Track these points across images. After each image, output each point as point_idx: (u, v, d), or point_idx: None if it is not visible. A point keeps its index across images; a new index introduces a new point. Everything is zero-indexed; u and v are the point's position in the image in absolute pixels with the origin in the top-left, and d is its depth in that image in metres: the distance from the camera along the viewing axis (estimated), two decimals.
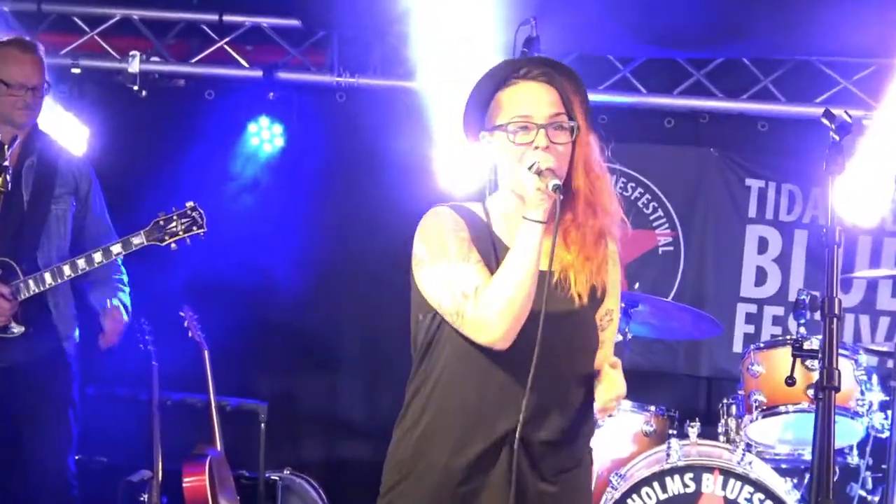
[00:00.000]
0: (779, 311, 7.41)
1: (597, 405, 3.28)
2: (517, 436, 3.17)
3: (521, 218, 3.17)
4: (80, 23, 7.47)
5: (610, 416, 3.36)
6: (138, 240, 5.26)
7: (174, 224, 5.27)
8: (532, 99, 3.22)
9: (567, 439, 3.30)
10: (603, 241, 3.31)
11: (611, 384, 3.29)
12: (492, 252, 3.28)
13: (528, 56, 3.36)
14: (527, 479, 3.26)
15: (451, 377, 3.29)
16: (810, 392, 5.35)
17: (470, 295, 3.15)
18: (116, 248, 5.27)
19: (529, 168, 3.13)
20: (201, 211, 5.32)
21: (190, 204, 5.32)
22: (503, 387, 3.22)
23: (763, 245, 7.48)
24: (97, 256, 5.25)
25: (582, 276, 3.27)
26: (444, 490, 3.29)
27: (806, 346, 3.23)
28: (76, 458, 5.52)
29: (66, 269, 5.24)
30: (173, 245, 5.28)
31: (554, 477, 3.30)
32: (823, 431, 2.70)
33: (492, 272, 3.18)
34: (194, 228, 5.29)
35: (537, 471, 3.27)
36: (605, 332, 3.43)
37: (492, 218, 3.36)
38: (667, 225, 7.54)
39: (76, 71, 7.41)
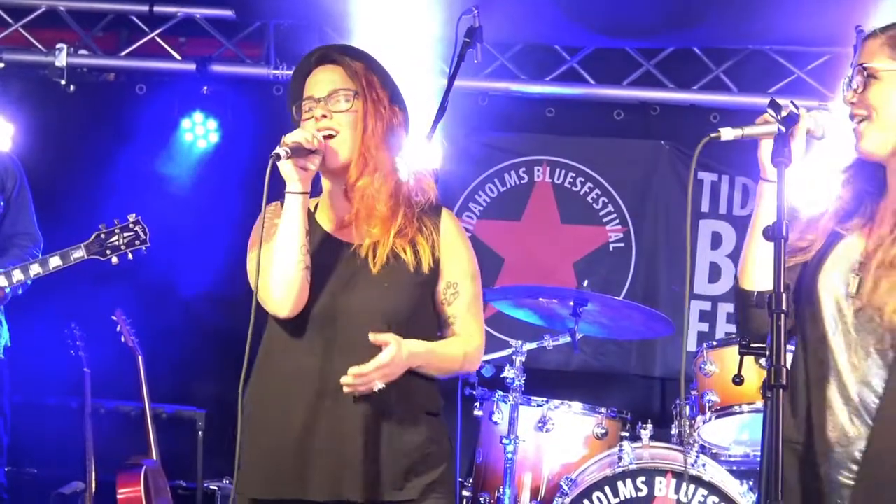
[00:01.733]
0: (733, 308, 7.27)
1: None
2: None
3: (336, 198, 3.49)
4: (3, 14, 7.35)
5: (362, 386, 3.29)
6: (78, 253, 5.18)
7: (116, 238, 5.21)
8: (317, 80, 3.47)
9: (374, 407, 3.36)
10: (376, 198, 3.43)
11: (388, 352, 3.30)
12: (308, 235, 3.45)
13: (325, 45, 3.52)
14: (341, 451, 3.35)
15: (268, 349, 3.48)
16: None
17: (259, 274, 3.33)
18: (55, 261, 5.19)
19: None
20: (144, 225, 5.26)
21: (132, 217, 5.26)
22: (307, 353, 3.37)
23: (717, 240, 7.43)
24: (34, 268, 5.19)
25: (376, 247, 3.42)
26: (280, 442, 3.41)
27: (755, 343, 3.14)
28: (5, 469, 5.46)
29: (1, 281, 5.17)
30: (115, 259, 5.22)
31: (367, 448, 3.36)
32: (772, 431, 2.61)
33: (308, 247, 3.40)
34: (137, 243, 5.24)
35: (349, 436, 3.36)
36: (452, 306, 3.53)
37: (321, 206, 3.57)
38: (617, 220, 7.45)
39: (0, 65, 7.25)
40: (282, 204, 3.46)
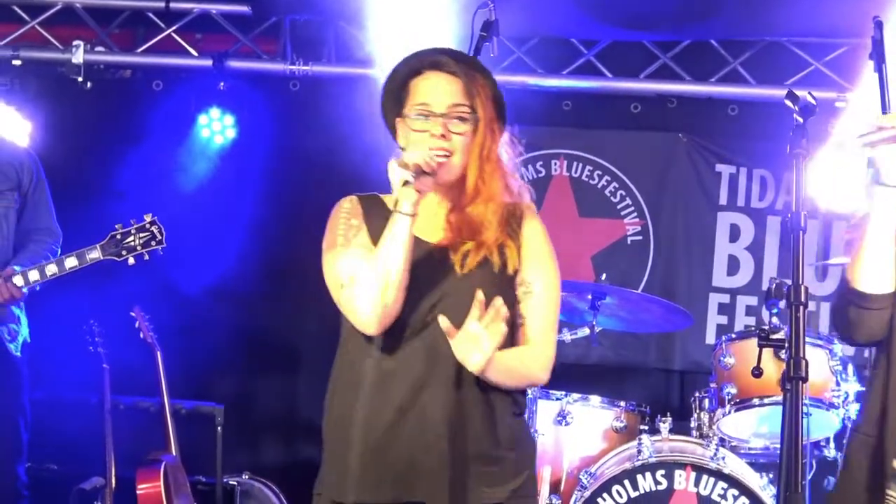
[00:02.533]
0: (752, 300, 7.33)
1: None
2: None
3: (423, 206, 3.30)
4: (20, 12, 7.32)
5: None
6: (94, 254, 5.19)
7: (132, 238, 5.22)
8: (435, 89, 3.35)
9: (462, 411, 3.29)
10: (485, 225, 3.35)
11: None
12: None
13: (441, 48, 3.40)
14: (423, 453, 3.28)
15: (349, 356, 3.41)
16: None
17: (344, 284, 3.27)
18: (71, 262, 5.20)
19: (397, 158, 3.22)
20: (160, 225, 5.27)
21: (148, 217, 5.27)
22: (390, 359, 3.29)
23: (735, 233, 7.39)
24: (51, 268, 5.20)
25: (467, 254, 3.32)
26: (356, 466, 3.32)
27: (774, 335, 3.13)
28: (26, 466, 5.47)
29: (19, 281, 5.17)
30: (131, 260, 5.24)
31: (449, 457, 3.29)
32: (791, 423, 2.62)
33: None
34: (153, 243, 5.25)
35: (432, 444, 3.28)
36: (522, 304, 3.39)
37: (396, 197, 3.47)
38: (635, 213, 7.42)
39: (17, 63, 7.27)
40: (360, 201, 3.45)
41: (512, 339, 3.33)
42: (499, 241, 3.36)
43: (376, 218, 3.37)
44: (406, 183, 3.13)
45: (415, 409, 3.25)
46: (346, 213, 3.40)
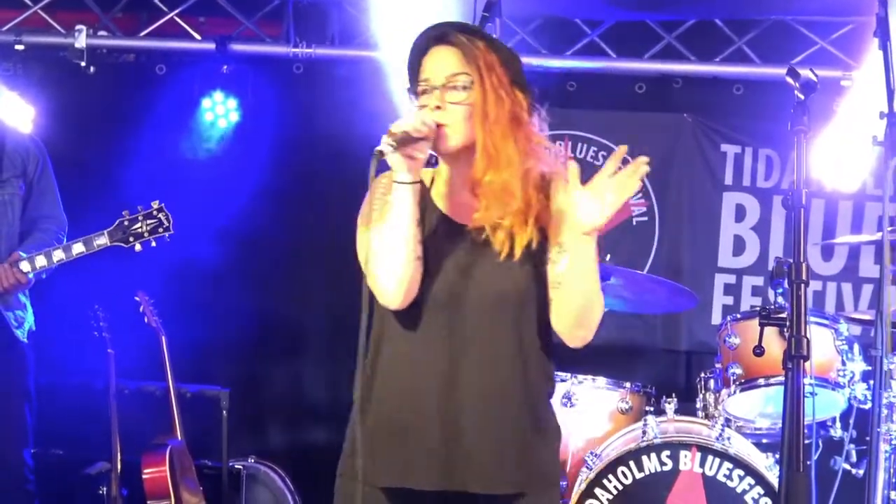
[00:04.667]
0: (758, 280, 7.30)
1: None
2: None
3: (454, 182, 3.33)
4: None
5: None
6: (101, 240, 5.21)
7: (139, 225, 5.24)
8: (435, 62, 3.31)
9: (497, 395, 3.26)
10: (511, 194, 3.26)
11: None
12: (422, 215, 3.30)
13: (442, 22, 3.36)
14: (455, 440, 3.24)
15: (383, 335, 3.37)
16: None
17: (369, 260, 3.23)
18: (78, 248, 5.22)
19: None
20: (168, 212, 5.28)
21: (156, 204, 5.28)
22: (423, 340, 3.27)
23: (741, 213, 7.36)
24: (57, 254, 5.22)
25: (508, 236, 3.25)
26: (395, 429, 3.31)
27: (777, 314, 3.12)
28: (32, 451, 5.46)
29: (25, 266, 5.18)
30: (138, 246, 5.25)
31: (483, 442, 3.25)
32: (793, 402, 2.58)
33: (421, 234, 3.25)
34: (160, 230, 5.27)
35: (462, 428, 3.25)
36: (558, 265, 3.26)
37: (436, 182, 3.43)
38: (640, 194, 7.37)
39: (20, 48, 7.25)
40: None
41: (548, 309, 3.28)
42: (539, 220, 3.28)
43: None
44: (382, 155, 3.08)
45: (454, 394, 3.22)
46: (383, 189, 3.32)
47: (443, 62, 3.29)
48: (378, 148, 3.07)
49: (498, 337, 3.24)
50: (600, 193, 3.08)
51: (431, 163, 3.42)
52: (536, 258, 3.26)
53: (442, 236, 3.29)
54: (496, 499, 3.26)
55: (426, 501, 3.27)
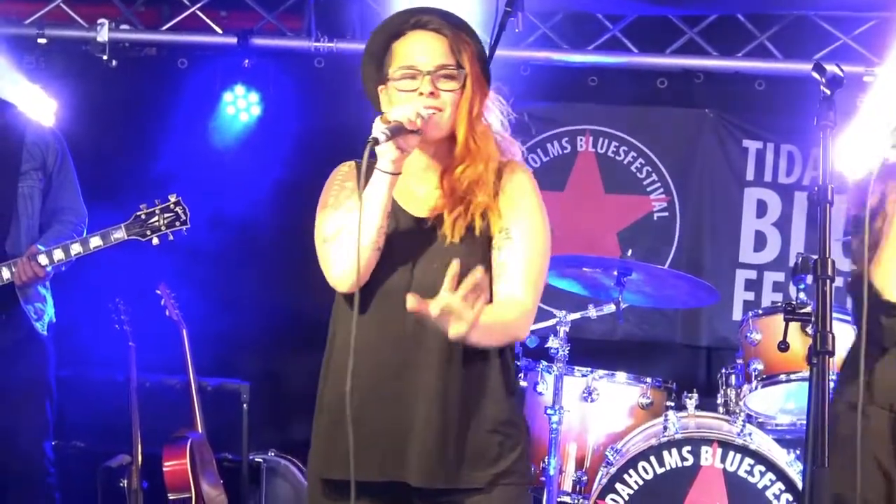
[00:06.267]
0: (779, 276, 7.28)
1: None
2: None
3: (411, 169, 3.29)
4: None
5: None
6: (119, 234, 5.18)
7: (156, 219, 5.21)
8: (420, 48, 3.27)
9: (441, 387, 3.20)
10: (480, 187, 3.26)
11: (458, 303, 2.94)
12: None
13: (422, 7, 3.31)
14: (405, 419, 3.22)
15: (338, 320, 3.41)
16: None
17: (327, 239, 3.28)
18: (95, 241, 5.19)
19: (380, 117, 3.14)
20: (185, 206, 5.24)
21: (173, 197, 5.25)
22: (373, 328, 3.23)
23: (762, 208, 7.34)
24: (75, 248, 5.19)
25: (456, 220, 3.25)
26: (338, 418, 3.21)
27: (801, 310, 3.11)
28: (52, 443, 5.47)
29: (43, 260, 5.15)
30: (155, 240, 5.22)
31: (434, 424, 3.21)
32: (818, 397, 2.58)
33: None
34: (177, 224, 5.23)
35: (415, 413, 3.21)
36: (501, 252, 3.25)
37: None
38: (661, 189, 7.38)
39: (42, 41, 7.25)
40: (357, 165, 3.40)
41: (490, 291, 3.23)
42: (483, 204, 3.26)
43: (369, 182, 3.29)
44: (377, 142, 3.03)
45: (402, 385, 3.18)
46: (342, 177, 3.40)
47: (430, 49, 3.25)
48: (372, 135, 3.04)
49: (433, 329, 3.08)
50: (454, 311, 2.88)
51: None
52: (486, 247, 3.25)
53: (395, 225, 3.26)
54: (440, 492, 3.21)
55: (372, 491, 3.22)
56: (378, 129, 3.05)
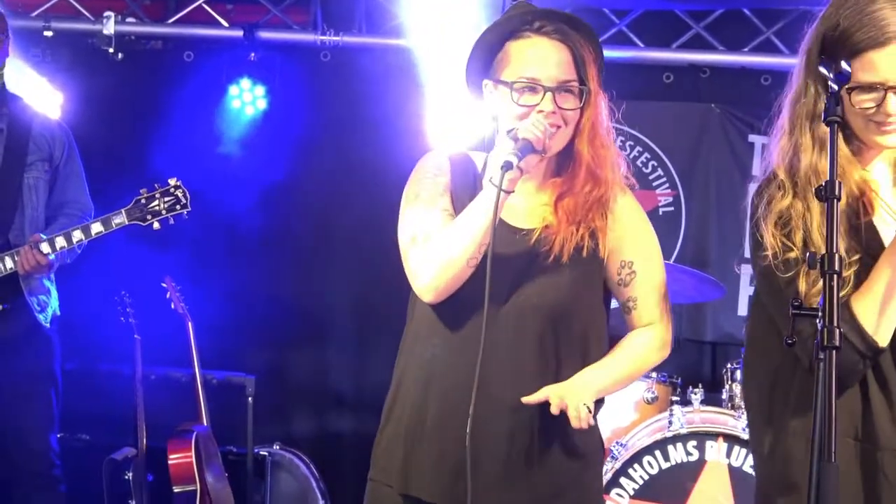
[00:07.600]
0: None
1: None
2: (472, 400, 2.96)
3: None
4: None
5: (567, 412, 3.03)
6: (119, 219, 5.14)
7: (156, 203, 5.17)
8: (542, 59, 3.10)
9: (517, 408, 3.10)
10: (598, 209, 3.16)
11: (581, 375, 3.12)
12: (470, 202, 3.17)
13: (545, 10, 3.17)
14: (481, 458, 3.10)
15: (419, 329, 3.26)
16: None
17: (418, 241, 3.12)
18: (96, 227, 5.15)
19: (508, 133, 3.04)
20: (185, 189, 5.21)
21: (173, 181, 5.22)
22: (464, 341, 3.10)
23: None
24: (77, 234, 5.15)
25: (566, 243, 3.13)
26: (415, 435, 3.18)
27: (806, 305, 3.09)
28: (58, 436, 5.48)
29: (45, 248, 5.13)
30: (156, 224, 5.17)
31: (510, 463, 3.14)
32: (825, 392, 2.56)
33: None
34: (178, 207, 5.19)
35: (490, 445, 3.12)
36: (629, 287, 3.25)
37: (488, 169, 3.25)
38: (667, 184, 7.37)
39: (48, 34, 7.23)
40: (450, 160, 3.27)
41: (623, 322, 3.25)
42: (600, 227, 3.17)
43: (462, 182, 3.22)
44: (510, 167, 2.91)
45: (484, 405, 2.98)
46: (436, 170, 3.24)
47: (553, 63, 3.09)
48: (506, 159, 2.92)
49: (529, 347, 3.09)
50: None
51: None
52: (592, 269, 3.18)
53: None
54: None
55: None
56: (507, 149, 2.96)
